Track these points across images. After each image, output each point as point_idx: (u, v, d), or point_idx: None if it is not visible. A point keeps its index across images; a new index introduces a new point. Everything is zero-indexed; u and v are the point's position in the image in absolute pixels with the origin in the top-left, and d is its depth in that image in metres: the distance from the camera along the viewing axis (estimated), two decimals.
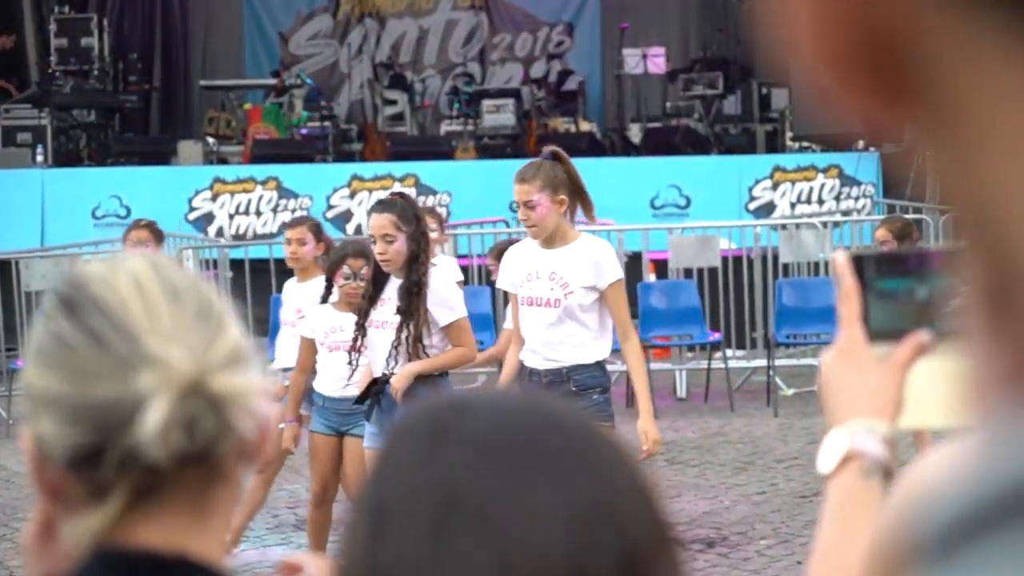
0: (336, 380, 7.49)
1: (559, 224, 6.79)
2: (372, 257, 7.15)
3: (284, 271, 14.21)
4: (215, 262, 14.72)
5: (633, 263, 14.10)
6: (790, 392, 13.07)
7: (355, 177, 17.69)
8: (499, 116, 20.74)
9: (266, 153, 19.09)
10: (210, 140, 20.77)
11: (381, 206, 7.02)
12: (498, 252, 7.99)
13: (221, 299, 1.52)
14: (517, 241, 8.00)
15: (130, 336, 1.42)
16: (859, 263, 1.68)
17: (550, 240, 6.84)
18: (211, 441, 1.40)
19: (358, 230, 17.06)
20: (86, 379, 1.41)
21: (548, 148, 7.08)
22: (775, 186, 17.38)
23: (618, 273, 6.86)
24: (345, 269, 7.60)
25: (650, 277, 13.89)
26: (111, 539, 1.40)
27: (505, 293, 7.50)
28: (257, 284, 13.67)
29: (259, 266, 14.48)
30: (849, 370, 1.67)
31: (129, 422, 1.38)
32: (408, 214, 6.92)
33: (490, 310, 12.70)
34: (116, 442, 1.39)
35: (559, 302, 6.79)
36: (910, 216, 15.37)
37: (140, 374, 1.39)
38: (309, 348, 7.80)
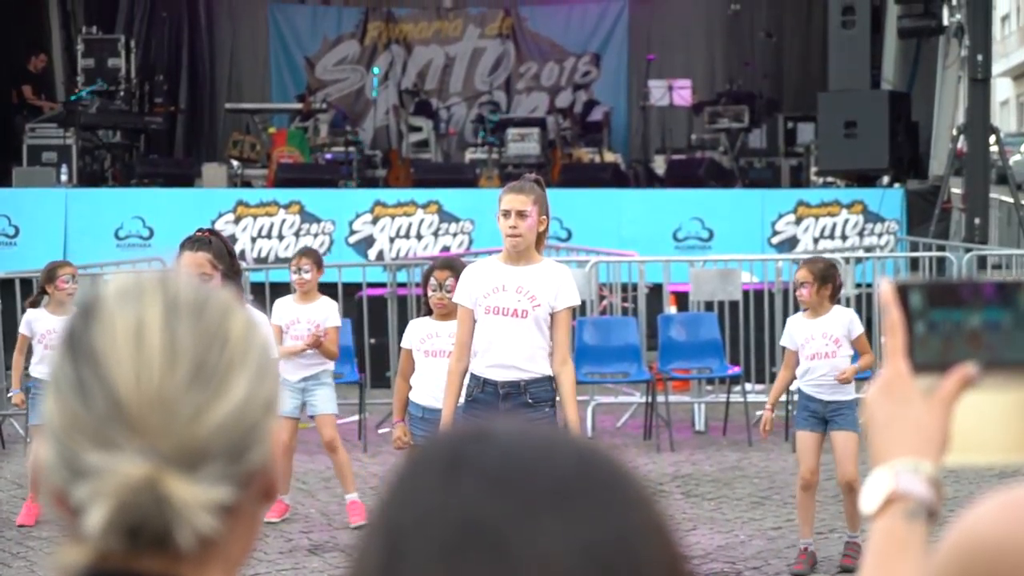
0: (437, 389, 7.65)
1: (531, 243, 7.10)
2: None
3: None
4: None
5: (654, 295, 14.07)
6: None
7: (378, 203, 17.70)
8: (524, 145, 20.75)
9: (290, 177, 19.11)
10: (234, 163, 20.79)
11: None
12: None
13: (238, 345, 1.42)
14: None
15: (113, 395, 1.36)
16: (905, 293, 1.62)
17: (517, 258, 7.13)
18: (162, 535, 1.34)
19: (380, 256, 17.07)
20: (71, 428, 1.37)
21: (531, 175, 7.41)
22: (798, 221, 17.35)
23: (575, 299, 7.20)
24: (432, 281, 8.18)
25: (671, 309, 13.85)
26: (106, 563, 1.38)
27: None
28: None
29: (280, 290, 14.47)
30: (894, 405, 1.61)
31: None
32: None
33: None
34: None
35: (527, 313, 7.06)
36: (934, 253, 15.37)
37: (83, 481, 1.35)
38: (408, 358, 8.28)
